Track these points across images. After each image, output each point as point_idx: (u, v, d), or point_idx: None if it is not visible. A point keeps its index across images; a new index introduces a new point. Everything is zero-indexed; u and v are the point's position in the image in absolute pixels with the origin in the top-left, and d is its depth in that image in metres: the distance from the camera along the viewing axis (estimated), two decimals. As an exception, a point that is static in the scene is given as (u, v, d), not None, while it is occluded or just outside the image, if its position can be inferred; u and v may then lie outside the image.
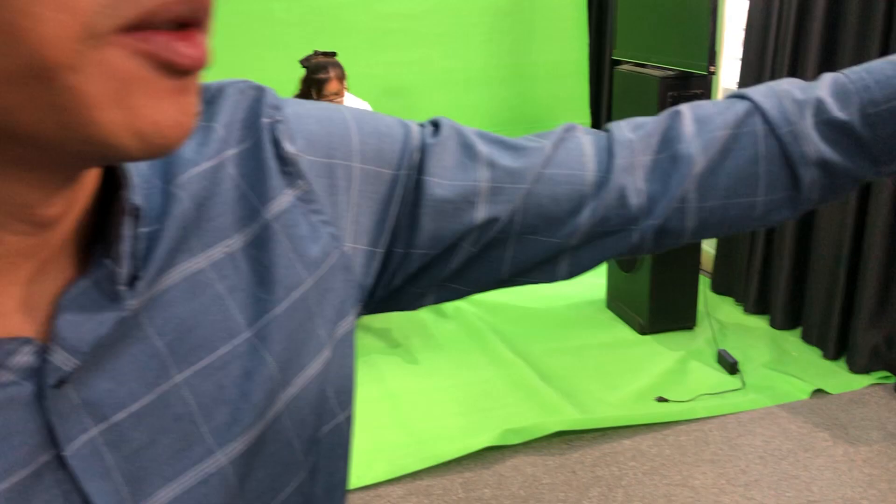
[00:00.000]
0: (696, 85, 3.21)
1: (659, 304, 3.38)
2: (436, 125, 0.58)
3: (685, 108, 0.62)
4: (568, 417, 2.76)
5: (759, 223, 0.62)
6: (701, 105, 0.62)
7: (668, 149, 0.60)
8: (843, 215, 3.04)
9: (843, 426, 2.73)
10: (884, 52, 2.85)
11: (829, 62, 3.10)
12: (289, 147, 0.50)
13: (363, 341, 3.33)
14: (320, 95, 3.32)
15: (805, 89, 0.60)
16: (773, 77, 3.37)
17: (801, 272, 3.31)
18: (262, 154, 0.49)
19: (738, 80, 3.60)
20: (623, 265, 3.52)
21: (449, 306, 3.60)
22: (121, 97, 0.33)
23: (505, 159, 0.57)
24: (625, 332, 3.46)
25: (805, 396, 2.91)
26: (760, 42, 3.43)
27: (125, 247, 0.40)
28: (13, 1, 0.30)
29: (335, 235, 0.51)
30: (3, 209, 0.36)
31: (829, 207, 3.09)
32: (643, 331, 3.42)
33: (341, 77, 3.35)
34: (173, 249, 0.44)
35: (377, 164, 0.54)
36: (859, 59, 2.95)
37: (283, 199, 0.49)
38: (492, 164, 0.57)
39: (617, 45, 3.67)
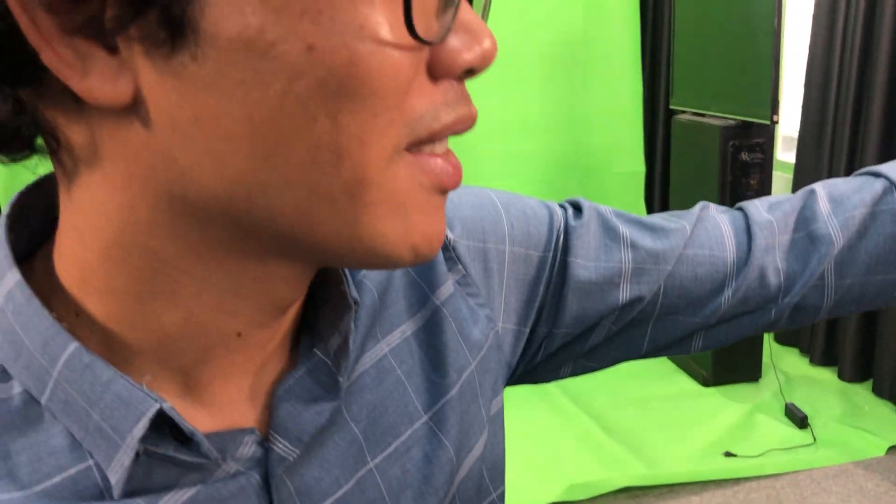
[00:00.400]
0: (757, 134, 3.19)
1: (722, 355, 3.32)
2: (576, 206, 0.60)
3: (819, 188, 0.62)
4: (634, 472, 2.71)
5: (894, 301, 0.61)
6: (834, 184, 0.63)
7: (804, 228, 0.61)
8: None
9: (922, 485, 2.63)
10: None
11: (894, 109, 3.06)
12: (449, 234, 0.51)
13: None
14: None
15: None
16: (835, 126, 3.33)
17: (870, 322, 3.23)
18: None
19: (798, 128, 3.57)
20: (684, 315, 3.47)
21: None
22: (402, 212, 0.35)
23: (646, 240, 0.58)
24: (688, 384, 3.40)
25: (881, 453, 2.81)
26: (822, 89, 3.40)
27: (345, 339, 0.42)
28: (347, 127, 0.32)
29: (490, 317, 0.53)
30: (261, 306, 0.38)
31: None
32: (707, 383, 3.36)
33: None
34: (364, 337, 0.45)
35: (526, 246, 0.56)
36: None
37: (448, 284, 0.51)
38: (634, 246, 0.58)
39: (674, 94, 3.67)
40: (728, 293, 0.59)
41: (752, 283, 0.59)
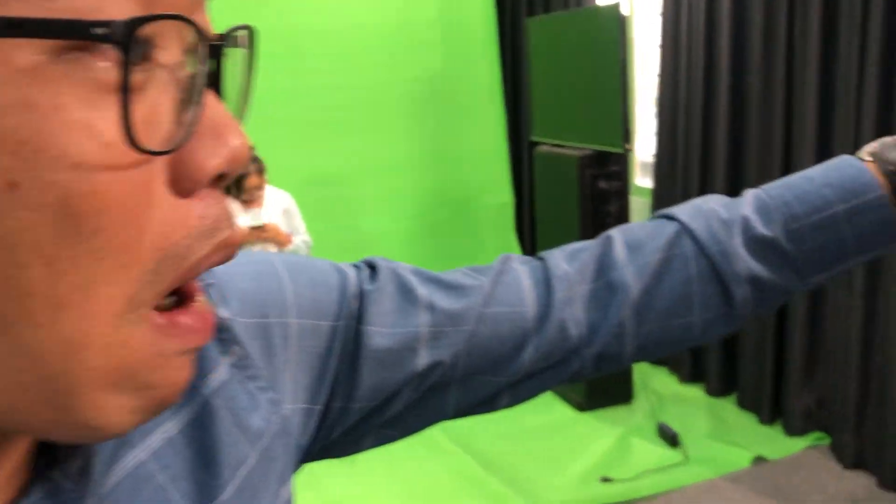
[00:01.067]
0: (613, 162, 3.29)
1: (595, 380, 3.37)
2: (372, 267, 0.56)
3: (616, 234, 0.62)
4: (514, 507, 2.69)
5: (697, 342, 0.62)
6: (631, 229, 0.62)
7: (603, 277, 0.60)
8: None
9: (785, 493, 2.73)
10: (787, 115, 2.98)
11: (737, 134, 3.22)
12: (222, 312, 0.46)
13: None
14: (240, 190, 3.28)
15: (729, 207, 0.61)
16: (686, 152, 3.48)
17: (731, 339, 3.36)
18: None
19: (654, 153, 3.71)
20: (557, 343, 3.51)
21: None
22: (131, 384, 0.31)
23: (444, 301, 0.56)
24: (564, 411, 3.44)
25: (746, 464, 2.91)
26: (671, 116, 3.56)
27: (87, 458, 0.36)
28: (66, 274, 0.27)
29: (274, 400, 0.48)
30: None
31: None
32: (581, 408, 3.40)
33: (261, 171, 3.32)
34: (117, 445, 0.39)
35: (314, 316, 0.52)
36: (764, 129, 3.08)
37: (221, 369, 0.45)
38: (431, 308, 0.55)
39: (535, 127, 3.76)
40: (530, 349, 0.57)
41: (554, 336, 0.57)
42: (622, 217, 3.32)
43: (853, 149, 2.63)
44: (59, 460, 0.36)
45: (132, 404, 0.31)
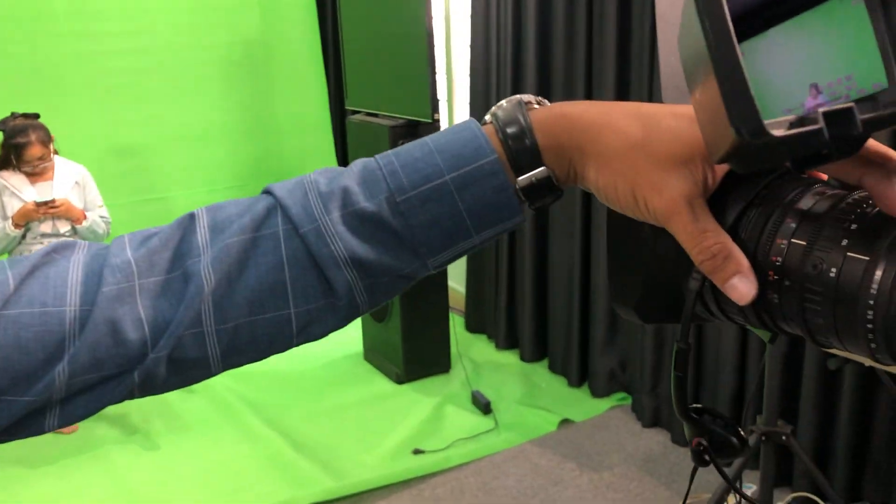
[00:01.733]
0: (425, 132, 3.24)
1: (413, 351, 3.35)
2: None
3: (202, 213, 0.52)
4: (320, 488, 2.63)
5: (302, 338, 0.53)
6: (221, 207, 0.53)
7: (178, 266, 0.50)
8: (571, 248, 3.19)
9: (587, 454, 2.82)
10: (588, 83, 3.03)
11: (544, 94, 3.25)
12: None
13: (94, 432, 2.99)
14: (21, 161, 3.00)
15: (333, 179, 0.53)
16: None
17: (542, 305, 3.43)
18: None
19: (469, 123, 3.70)
20: (375, 314, 3.46)
21: (195, 379, 3.35)
22: None
23: None
24: (382, 385, 3.40)
25: (553, 428, 2.98)
26: (483, 83, 3.55)
27: None
28: None
29: None
30: None
31: (559, 238, 3.23)
32: (400, 380, 3.37)
33: (45, 140, 3.04)
34: None
35: None
36: (567, 97, 3.13)
37: None
38: None
39: (349, 96, 3.66)
40: (66, 361, 0.47)
41: (101, 341, 0.47)
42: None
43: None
44: None
45: None
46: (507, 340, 3.61)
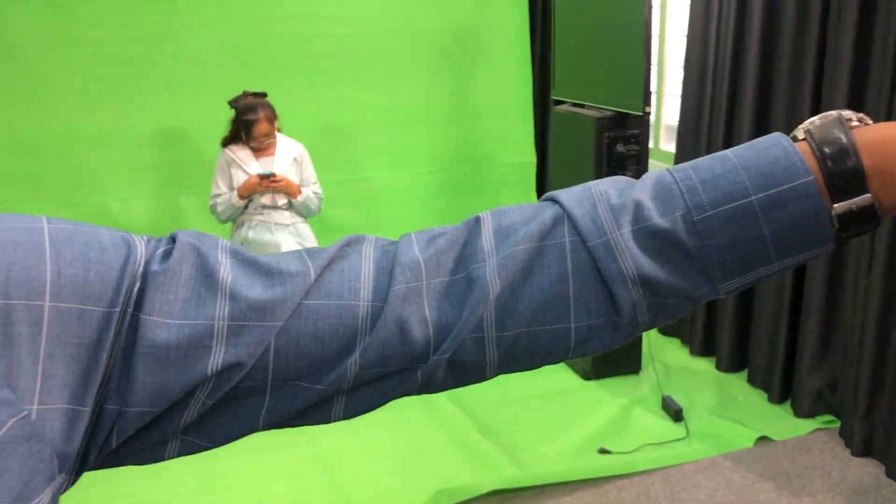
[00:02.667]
0: (632, 125, 3.16)
1: (603, 349, 3.28)
2: (172, 243, 0.48)
3: (487, 217, 0.52)
4: (504, 475, 2.64)
5: (577, 352, 0.52)
6: (506, 212, 0.52)
7: (462, 268, 0.50)
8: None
9: (787, 475, 2.64)
10: (817, 83, 2.81)
11: (765, 96, 3.06)
12: None
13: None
14: (250, 137, 3.22)
15: (624, 191, 0.50)
16: (711, 114, 3.33)
17: (745, 314, 3.25)
18: None
19: (678, 117, 3.56)
20: (566, 309, 3.43)
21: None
22: None
23: (253, 289, 0.47)
24: (569, 379, 3.36)
25: (749, 444, 2.82)
26: (699, 79, 3.40)
27: None
28: None
29: (8, 400, 0.40)
30: None
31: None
32: (587, 376, 3.33)
33: (272, 118, 3.25)
34: None
35: (81, 300, 0.43)
36: (793, 97, 2.92)
37: None
38: (234, 297, 0.46)
39: (555, 86, 3.62)
40: (357, 353, 0.48)
41: (390, 338, 0.48)
42: (639, 183, 3.19)
43: (888, 117, 2.45)
44: None
45: None
46: (703, 347, 3.46)
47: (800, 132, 0.49)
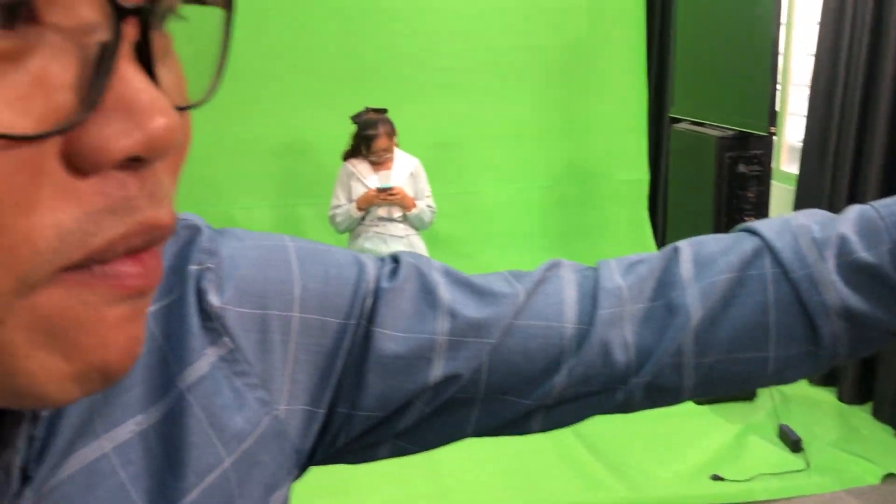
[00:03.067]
0: (755, 145, 3.08)
1: (717, 373, 3.21)
2: (396, 262, 0.52)
3: (685, 246, 0.54)
4: (615, 496, 2.62)
5: (772, 381, 0.53)
6: (703, 242, 0.54)
7: (663, 296, 0.52)
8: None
9: (917, 517, 2.52)
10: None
11: (899, 122, 2.94)
12: (213, 300, 0.44)
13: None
14: (370, 151, 3.32)
15: (826, 225, 0.52)
16: (839, 137, 3.22)
17: (871, 343, 3.11)
18: (186, 309, 0.43)
19: (802, 137, 3.45)
20: (679, 330, 3.37)
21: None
22: (59, 341, 0.28)
23: (469, 308, 0.50)
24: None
25: (876, 481, 2.70)
26: (827, 99, 3.29)
27: (17, 456, 0.34)
28: None
29: (265, 400, 0.45)
30: None
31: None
32: (700, 400, 3.25)
33: (391, 134, 3.34)
34: (75, 435, 0.38)
35: (322, 312, 0.48)
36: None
37: (203, 362, 0.43)
38: (453, 314, 0.50)
39: (675, 103, 3.58)
40: (564, 372, 0.51)
41: (594, 359, 0.51)
42: (761, 204, 3.11)
43: None
44: None
45: (68, 369, 0.29)
46: (824, 376, 3.32)
47: None
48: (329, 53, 4.10)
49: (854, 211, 0.52)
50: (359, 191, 3.33)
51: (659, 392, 0.53)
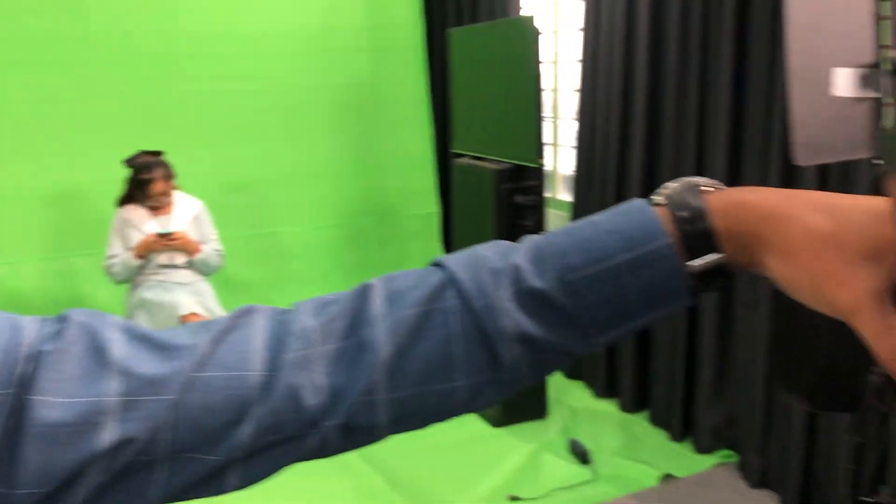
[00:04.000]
0: (529, 176, 3.26)
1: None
2: (63, 323, 0.48)
3: (377, 283, 0.54)
4: (416, 528, 2.63)
5: (464, 409, 0.54)
6: (395, 278, 0.55)
7: (355, 334, 0.52)
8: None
9: (691, 512, 2.72)
10: (700, 131, 2.98)
11: (653, 148, 3.22)
12: None
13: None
14: (146, 196, 3.17)
15: (504, 255, 0.54)
16: (603, 166, 3.47)
17: (644, 355, 3.36)
18: None
19: (574, 167, 3.69)
20: (473, 357, 3.46)
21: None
22: None
23: (146, 365, 0.48)
24: (478, 427, 3.38)
25: (654, 483, 2.90)
26: (590, 131, 3.55)
27: None
28: None
29: None
30: None
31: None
32: (497, 423, 3.35)
33: (168, 177, 3.21)
34: None
35: None
36: (678, 144, 3.08)
37: None
38: (127, 373, 0.47)
39: (455, 139, 3.71)
40: (251, 423, 0.49)
41: (283, 405, 0.49)
42: (538, 231, 3.28)
43: (762, 165, 2.58)
44: None
45: None
46: (606, 389, 3.55)
47: (659, 197, 0.53)
48: (108, 98, 3.90)
49: (527, 241, 0.54)
50: (136, 238, 3.17)
51: (356, 431, 0.52)
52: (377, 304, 0.53)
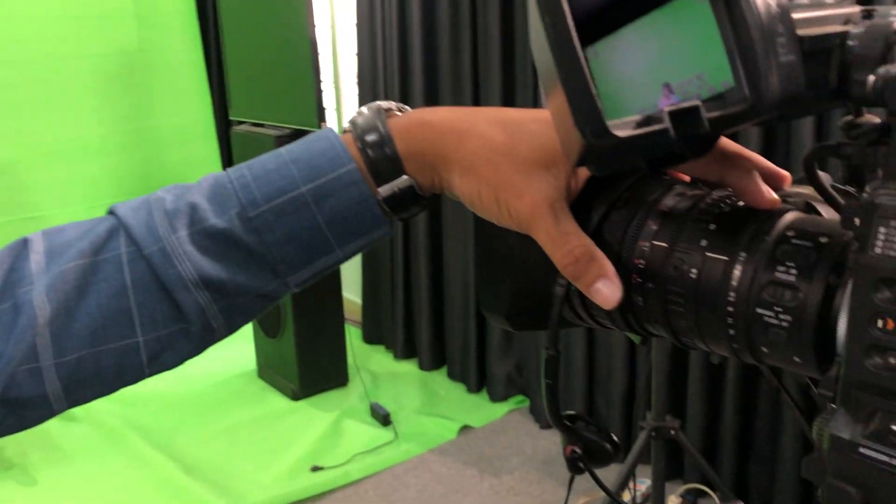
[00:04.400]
0: (312, 142, 3.18)
1: (308, 366, 3.28)
2: None
3: (38, 237, 0.48)
4: (214, 512, 2.53)
5: (155, 367, 0.50)
6: (61, 230, 0.49)
7: (10, 296, 0.45)
8: (466, 254, 3.19)
9: (487, 459, 2.82)
10: (475, 92, 3.05)
11: (433, 103, 3.25)
12: None
13: (-35, 471, 2.79)
14: None
15: (180, 195, 0.50)
16: (387, 128, 3.47)
17: (439, 313, 3.42)
18: None
19: (358, 132, 3.66)
20: (267, 330, 3.37)
21: (78, 409, 3.17)
22: None
23: None
24: (278, 402, 3.31)
25: (453, 436, 2.97)
26: (371, 94, 3.53)
27: None
28: None
29: None
30: None
31: (454, 245, 3.23)
32: (296, 396, 3.29)
33: None
34: None
35: None
36: (455, 93, 3.13)
37: None
38: None
39: (232, 106, 3.56)
40: None
41: None
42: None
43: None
44: None
45: None
46: (406, 350, 3.59)
47: (348, 124, 0.51)
48: None
49: (209, 178, 0.51)
50: None
51: (22, 405, 0.46)
52: (37, 259, 0.47)
